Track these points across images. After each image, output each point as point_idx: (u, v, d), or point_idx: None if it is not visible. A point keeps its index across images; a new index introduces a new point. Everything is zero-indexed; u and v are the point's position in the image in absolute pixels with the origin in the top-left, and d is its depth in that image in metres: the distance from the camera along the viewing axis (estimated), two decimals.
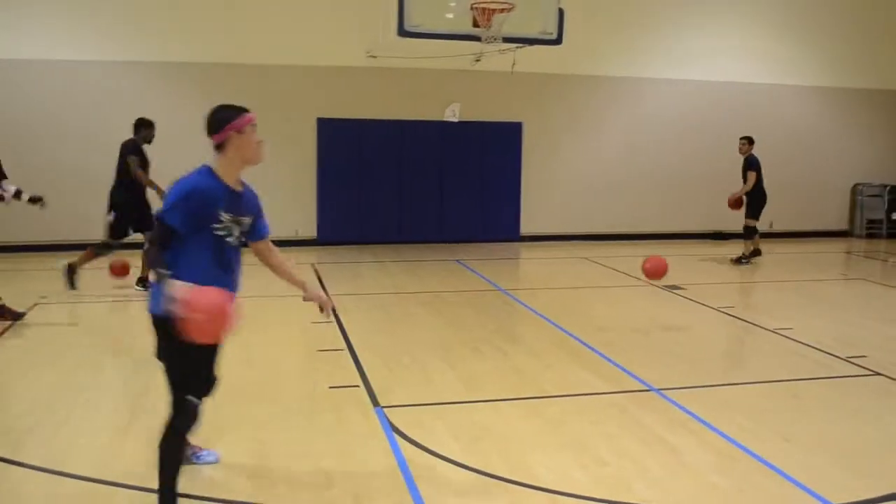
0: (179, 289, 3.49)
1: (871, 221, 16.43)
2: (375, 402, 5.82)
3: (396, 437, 5.11)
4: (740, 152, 12.59)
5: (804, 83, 15.92)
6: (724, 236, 15.52)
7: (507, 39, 11.03)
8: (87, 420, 5.44)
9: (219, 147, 3.81)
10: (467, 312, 8.96)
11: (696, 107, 15.34)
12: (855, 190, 16.61)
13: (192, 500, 4.19)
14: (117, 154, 9.67)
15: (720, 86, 15.40)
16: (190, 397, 3.81)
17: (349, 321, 8.25)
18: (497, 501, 4.28)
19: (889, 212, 16.35)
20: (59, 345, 7.43)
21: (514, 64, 12.03)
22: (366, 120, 13.76)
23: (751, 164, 12.44)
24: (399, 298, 9.86)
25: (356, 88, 13.67)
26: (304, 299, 4.28)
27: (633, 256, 13.36)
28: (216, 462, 4.66)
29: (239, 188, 3.91)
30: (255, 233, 4.11)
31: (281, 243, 14.10)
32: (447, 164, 14.34)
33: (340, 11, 13.35)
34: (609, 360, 6.99)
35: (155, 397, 5.89)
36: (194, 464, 4.57)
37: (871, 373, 6.78)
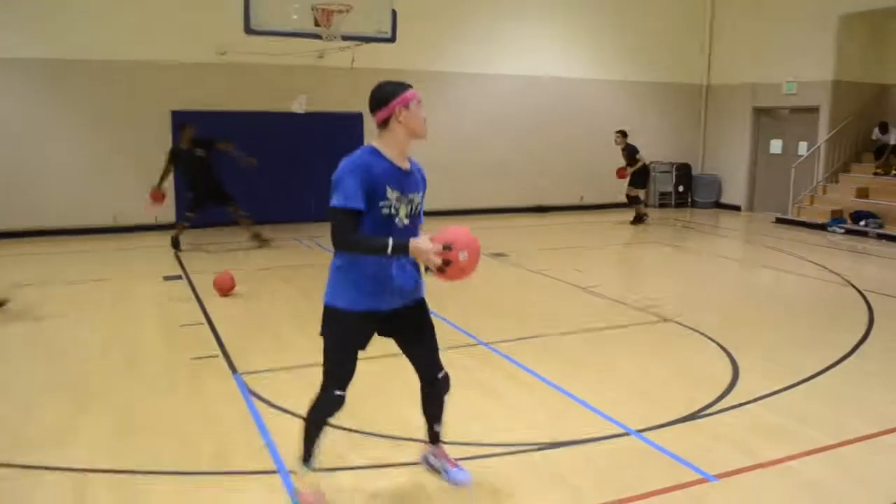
0: (426, 241, 3.41)
1: (662, 194, 17.62)
2: (234, 370, 5.71)
3: (253, 399, 5.03)
4: (616, 143, 14.36)
5: (608, 77, 16.69)
6: (544, 209, 16.11)
7: (346, 38, 10.97)
8: (55, 405, 5.06)
9: (383, 123, 3.49)
10: (319, 285, 8.85)
11: (515, 98, 15.77)
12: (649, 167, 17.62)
13: (98, 475, 3.99)
14: None
15: (536, 80, 15.89)
16: (338, 392, 3.61)
17: (210, 302, 8.01)
18: (342, 450, 4.31)
19: (676, 185, 17.57)
20: (29, 330, 6.88)
21: (353, 60, 11.95)
22: (218, 112, 13.25)
23: (636, 150, 14.25)
24: (263, 275, 9.56)
25: (209, 83, 13.16)
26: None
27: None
28: (464, 483, 3.86)
29: (406, 166, 3.55)
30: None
31: (142, 229, 13.21)
32: (295, 152, 14.09)
33: (191, 11, 12.79)
34: (443, 319, 7.09)
35: (122, 383, 5.56)
36: (443, 479, 3.89)
37: (662, 320, 7.26)
